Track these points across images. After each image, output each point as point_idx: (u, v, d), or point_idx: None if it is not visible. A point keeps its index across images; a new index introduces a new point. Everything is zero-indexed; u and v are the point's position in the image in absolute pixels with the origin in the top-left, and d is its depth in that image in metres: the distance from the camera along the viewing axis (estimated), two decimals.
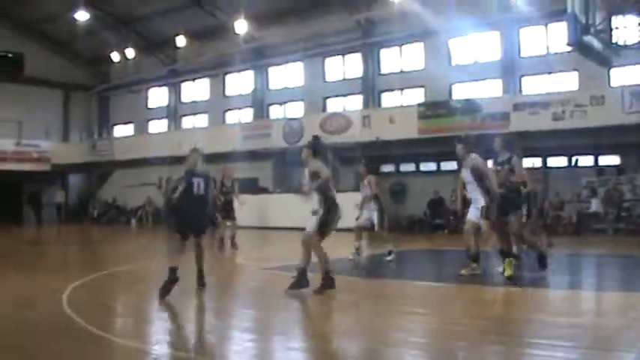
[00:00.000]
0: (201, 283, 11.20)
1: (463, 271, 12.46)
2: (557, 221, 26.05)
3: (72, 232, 32.20)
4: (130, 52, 40.71)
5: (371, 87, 34.61)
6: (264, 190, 33.13)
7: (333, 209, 10.78)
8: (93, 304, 10.33)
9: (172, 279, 10.40)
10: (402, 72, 34.15)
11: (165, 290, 10.32)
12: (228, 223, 19.67)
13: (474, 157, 12.33)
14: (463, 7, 29.82)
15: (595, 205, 25.68)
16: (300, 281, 10.81)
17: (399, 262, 15.90)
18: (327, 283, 10.70)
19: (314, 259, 10.86)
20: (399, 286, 12.26)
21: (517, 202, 12.27)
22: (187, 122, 43.19)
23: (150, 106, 45.34)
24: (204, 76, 41.57)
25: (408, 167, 32.75)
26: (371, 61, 34.73)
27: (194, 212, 11.00)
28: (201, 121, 42.09)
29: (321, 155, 11.03)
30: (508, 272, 11.77)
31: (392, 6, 30.68)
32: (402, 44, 33.88)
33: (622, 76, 26.68)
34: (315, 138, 11.41)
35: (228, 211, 19.50)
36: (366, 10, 34.09)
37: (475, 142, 12.71)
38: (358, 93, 35.03)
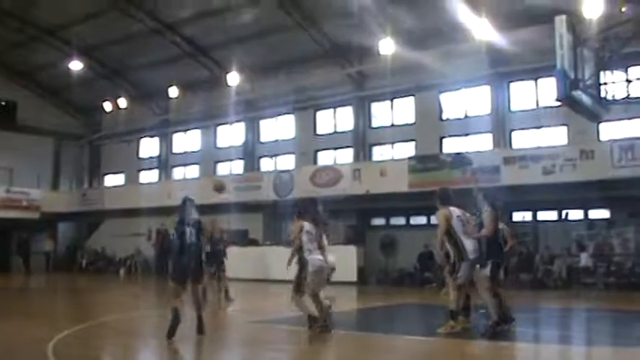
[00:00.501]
0: (200, 330, 11.24)
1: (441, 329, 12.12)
2: (547, 275, 25.90)
3: (60, 281, 31.90)
4: (123, 102, 40.64)
5: (362, 140, 34.66)
6: (254, 242, 32.97)
7: (306, 269, 11.74)
8: (78, 356, 10.14)
9: (174, 320, 10.72)
10: (392, 126, 34.28)
11: (170, 331, 10.77)
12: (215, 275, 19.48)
13: (438, 212, 12.34)
14: (454, 62, 30.03)
15: (584, 259, 25.57)
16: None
17: (387, 317, 15.79)
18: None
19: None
20: (387, 340, 12.07)
21: (486, 257, 11.92)
22: (178, 173, 43.07)
23: (141, 156, 45.18)
24: (195, 127, 41.57)
25: (398, 221, 32.54)
26: (362, 114, 34.86)
27: (187, 260, 11.22)
28: (192, 172, 41.98)
29: (309, 215, 12.08)
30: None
31: (383, 60, 30.86)
32: (393, 98, 34.00)
33: (611, 130, 26.86)
34: (302, 201, 12.30)
35: (218, 264, 19.29)
36: (357, 63, 34.37)
37: (445, 197, 12.54)
38: (349, 146, 35.06)
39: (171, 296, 11.28)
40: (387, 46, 30.21)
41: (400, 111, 34.13)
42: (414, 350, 11.12)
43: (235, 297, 19.42)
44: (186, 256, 11.23)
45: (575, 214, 27.98)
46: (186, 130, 42.51)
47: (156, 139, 43.81)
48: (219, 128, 40.96)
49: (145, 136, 44.47)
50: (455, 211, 12.28)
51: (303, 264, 11.89)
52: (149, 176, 44.01)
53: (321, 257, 12.03)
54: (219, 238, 19.52)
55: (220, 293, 19.06)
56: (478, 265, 11.88)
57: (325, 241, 12.33)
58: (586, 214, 27.83)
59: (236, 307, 17.74)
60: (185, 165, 42.65)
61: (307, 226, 12.06)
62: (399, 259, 30.82)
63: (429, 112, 32.66)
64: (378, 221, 33.23)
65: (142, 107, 42.38)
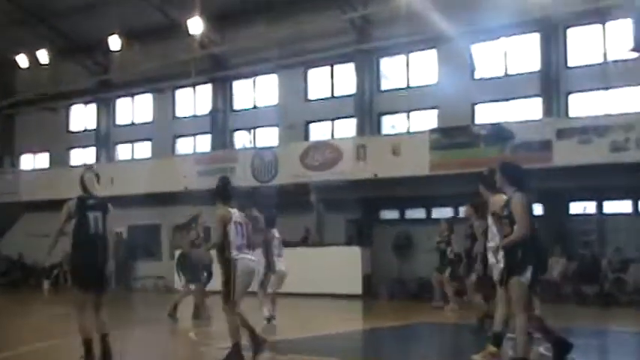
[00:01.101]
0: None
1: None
2: (618, 287, 25.52)
3: None
4: (44, 56, 40.01)
5: (368, 108, 34.43)
6: None
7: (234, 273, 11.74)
8: None
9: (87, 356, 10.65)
10: (409, 88, 34.04)
11: None
12: (192, 286, 20.04)
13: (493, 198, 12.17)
14: (490, 5, 29.78)
15: None
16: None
17: (401, 340, 15.67)
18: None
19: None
20: None
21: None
22: (124, 151, 42.90)
23: (72, 129, 44.99)
24: (146, 91, 41.46)
25: (416, 213, 32.60)
26: (368, 73, 34.58)
27: (91, 259, 10.92)
28: (142, 150, 41.86)
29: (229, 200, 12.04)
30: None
31: (396, 1, 30.34)
32: (410, 52, 33.82)
33: None
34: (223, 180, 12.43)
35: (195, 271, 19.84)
36: (362, 7, 34.05)
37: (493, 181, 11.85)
38: (351, 116, 34.82)
39: (77, 315, 10.94)
40: None
41: (418, 69, 33.86)
42: None
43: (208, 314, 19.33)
44: (89, 253, 10.91)
45: None
46: (133, 95, 42.31)
47: (92, 107, 43.57)
48: (179, 92, 40.83)
49: (76, 103, 44.20)
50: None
51: (229, 266, 11.68)
52: (84, 156, 43.45)
53: (253, 258, 12.15)
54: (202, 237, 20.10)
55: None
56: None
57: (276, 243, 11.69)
58: None
59: (202, 328, 17.28)
60: (133, 141, 42.50)
61: (236, 214, 11.83)
62: (418, 265, 30.38)
63: (456, 70, 32.30)
64: (390, 214, 33.33)
65: (71, 63, 41.97)
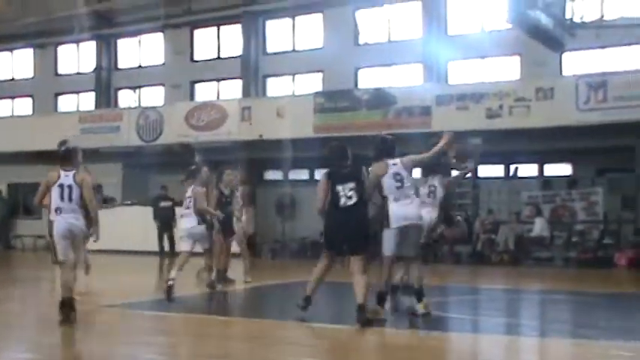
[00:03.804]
0: None
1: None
2: (489, 247, 26.38)
3: None
4: None
5: (253, 70, 34.50)
6: (109, 201, 32.36)
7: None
8: None
9: None
10: (294, 51, 34.31)
11: None
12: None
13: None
14: None
15: (539, 227, 26.11)
16: None
17: (284, 298, 15.80)
18: None
19: None
20: (286, 328, 12.00)
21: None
22: (4, 107, 42.00)
23: None
24: (27, 46, 40.61)
25: (299, 174, 32.76)
26: (254, 35, 34.62)
27: None
28: (22, 106, 41.19)
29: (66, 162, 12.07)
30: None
31: None
32: (296, 15, 34.01)
33: (577, 62, 27.34)
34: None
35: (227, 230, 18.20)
36: None
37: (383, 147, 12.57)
38: (237, 77, 34.87)
39: None
40: None
41: (304, 32, 34.13)
42: (316, 341, 11.13)
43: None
44: None
45: (528, 170, 28.48)
46: (12, 50, 41.47)
47: None
48: (61, 48, 40.23)
49: None
50: (391, 164, 12.15)
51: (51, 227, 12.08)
52: None
53: (71, 220, 11.89)
54: (229, 195, 18.41)
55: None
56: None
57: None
58: (541, 171, 28.65)
59: (85, 287, 17.31)
60: (12, 97, 41.65)
61: (68, 176, 11.91)
62: (301, 225, 30.76)
63: (341, 35, 32.67)
64: (274, 175, 33.47)
65: None
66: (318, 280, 12.25)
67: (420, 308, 12.17)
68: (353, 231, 11.80)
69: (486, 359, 9.99)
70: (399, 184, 11.97)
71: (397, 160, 12.12)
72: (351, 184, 11.81)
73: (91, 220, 11.93)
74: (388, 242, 11.90)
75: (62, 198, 11.77)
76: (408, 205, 12.01)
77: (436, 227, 13.63)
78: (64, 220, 11.78)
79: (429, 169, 13.51)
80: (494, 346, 10.80)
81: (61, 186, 11.76)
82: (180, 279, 14.85)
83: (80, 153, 12.42)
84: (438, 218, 13.55)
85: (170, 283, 14.60)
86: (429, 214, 13.08)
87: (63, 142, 12.93)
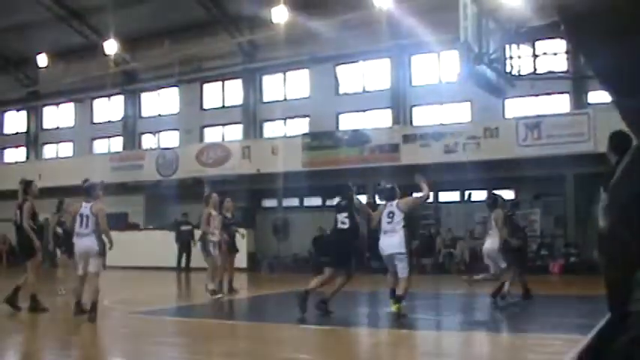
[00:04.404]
0: None
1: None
2: (449, 259, 26.40)
3: None
4: None
5: (252, 116, 34.51)
6: (134, 227, 32.33)
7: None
8: None
9: None
10: (285, 100, 34.22)
11: None
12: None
13: None
14: (352, 33, 30.11)
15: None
16: None
17: (280, 305, 15.69)
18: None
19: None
20: (281, 330, 11.97)
21: None
22: (49, 151, 41.91)
23: (5, 131, 43.77)
24: (69, 101, 40.50)
25: (291, 202, 32.52)
26: (252, 87, 34.64)
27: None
28: (65, 149, 41.02)
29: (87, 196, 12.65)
30: None
31: (276, 29, 30.64)
32: (287, 70, 34.00)
33: (516, 107, 27.48)
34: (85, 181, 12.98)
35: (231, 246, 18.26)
36: (248, 32, 34.12)
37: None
38: (238, 122, 34.85)
39: None
40: (280, 14, 29.99)
41: (294, 85, 34.10)
42: (308, 340, 11.05)
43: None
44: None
45: (479, 195, 28.45)
46: (58, 104, 41.34)
47: (23, 113, 42.44)
48: (96, 102, 40.08)
49: (9, 110, 43.05)
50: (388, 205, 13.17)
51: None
52: (15, 154, 42.63)
53: (87, 242, 12.24)
54: (231, 217, 18.68)
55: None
56: None
57: None
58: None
59: (115, 297, 17.23)
60: (57, 142, 41.54)
61: (85, 207, 12.32)
62: (293, 243, 30.84)
63: (324, 86, 32.73)
64: (270, 202, 33.18)
65: (5, 76, 40.96)
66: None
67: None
68: (342, 247, 12.97)
69: (449, 352, 10.00)
70: (389, 219, 12.77)
71: (395, 202, 12.98)
72: (345, 214, 12.90)
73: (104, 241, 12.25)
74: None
75: (81, 225, 12.16)
76: (391, 237, 12.69)
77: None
78: (82, 242, 12.18)
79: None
80: (454, 341, 10.86)
81: (81, 215, 12.18)
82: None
83: (99, 188, 12.81)
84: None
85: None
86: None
87: (85, 180, 12.93)
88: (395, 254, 12.64)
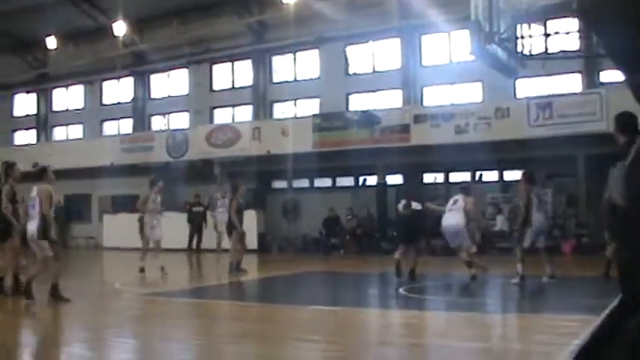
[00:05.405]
0: None
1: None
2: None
3: None
4: None
5: (262, 97, 34.40)
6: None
7: None
8: None
9: None
10: (295, 81, 34.16)
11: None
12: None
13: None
14: (362, 13, 30.03)
15: (500, 223, 26.11)
16: None
17: (290, 286, 15.72)
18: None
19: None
20: (291, 311, 12.02)
21: None
22: (59, 133, 41.99)
23: (15, 114, 43.81)
24: (78, 83, 40.47)
25: (301, 183, 32.52)
26: (262, 68, 34.54)
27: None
28: (75, 132, 41.10)
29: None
30: None
31: (286, 9, 30.58)
32: (296, 51, 33.88)
33: (527, 87, 27.33)
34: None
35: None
36: (257, 12, 34.01)
37: None
38: (248, 103, 34.78)
39: None
40: None
41: (303, 65, 33.98)
42: (319, 321, 11.04)
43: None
44: None
45: (490, 176, 28.48)
46: (67, 86, 41.33)
47: (32, 95, 42.48)
48: (105, 84, 40.08)
49: (19, 92, 43.05)
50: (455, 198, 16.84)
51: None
52: (26, 137, 42.67)
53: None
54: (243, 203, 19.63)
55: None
56: None
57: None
58: (501, 176, 28.41)
59: (125, 279, 17.30)
60: (67, 124, 41.61)
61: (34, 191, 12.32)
62: (303, 225, 30.85)
63: (334, 67, 32.59)
64: (280, 184, 33.17)
65: (15, 59, 40.99)
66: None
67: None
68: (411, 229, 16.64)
69: (458, 334, 9.98)
70: (453, 207, 16.23)
71: (461, 196, 16.41)
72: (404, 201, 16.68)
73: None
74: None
75: (32, 208, 12.17)
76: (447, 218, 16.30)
77: None
78: (29, 226, 12.19)
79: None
80: (463, 321, 10.84)
81: (32, 198, 12.17)
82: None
83: (47, 172, 12.52)
84: None
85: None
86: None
87: (35, 164, 13.31)
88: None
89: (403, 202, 16.67)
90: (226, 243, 23.06)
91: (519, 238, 15.76)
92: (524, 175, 16.57)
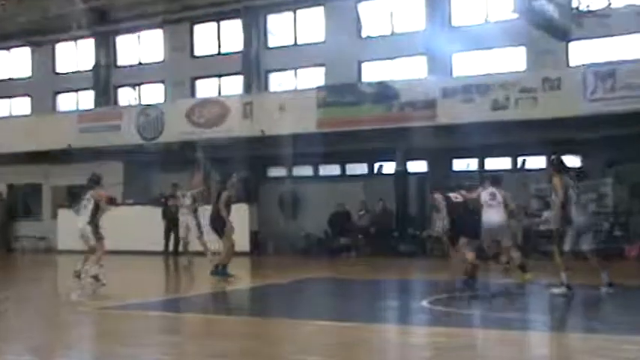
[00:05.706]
0: None
1: None
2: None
3: None
4: None
5: (255, 65, 34.49)
6: (110, 202, 32.29)
7: None
8: None
9: None
10: (296, 45, 34.25)
11: None
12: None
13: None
14: None
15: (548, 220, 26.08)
16: None
17: (290, 296, 15.76)
18: None
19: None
20: (288, 326, 12.10)
21: None
22: (0, 108, 41.95)
23: None
24: (24, 44, 40.51)
25: (303, 171, 32.81)
26: (255, 30, 34.56)
27: None
28: (20, 106, 41.14)
29: None
30: None
31: None
32: (297, 8, 33.96)
33: (584, 52, 27.30)
34: None
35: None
36: None
37: None
38: (238, 73, 34.88)
39: None
40: None
41: (306, 26, 34.06)
42: (318, 338, 11.14)
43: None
44: None
45: (535, 162, 28.45)
46: (9, 48, 41.43)
47: None
48: (59, 46, 40.16)
49: None
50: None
51: None
52: None
53: None
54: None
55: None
56: None
57: None
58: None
59: (84, 290, 17.34)
60: (10, 97, 41.59)
61: None
62: (305, 222, 30.98)
63: (343, 28, 32.62)
64: (277, 172, 33.44)
65: None
66: None
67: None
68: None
69: (496, 355, 9.99)
70: (493, 202, 17.53)
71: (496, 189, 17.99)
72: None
73: None
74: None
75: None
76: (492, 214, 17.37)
77: None
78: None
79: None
80: (507, 341, 10.84)
81: None
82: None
83: None
84: None
85: None
86: None
87: None
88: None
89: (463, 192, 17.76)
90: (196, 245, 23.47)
91: (558, 240, 15.48)
92: (551, 162, 16.33)
